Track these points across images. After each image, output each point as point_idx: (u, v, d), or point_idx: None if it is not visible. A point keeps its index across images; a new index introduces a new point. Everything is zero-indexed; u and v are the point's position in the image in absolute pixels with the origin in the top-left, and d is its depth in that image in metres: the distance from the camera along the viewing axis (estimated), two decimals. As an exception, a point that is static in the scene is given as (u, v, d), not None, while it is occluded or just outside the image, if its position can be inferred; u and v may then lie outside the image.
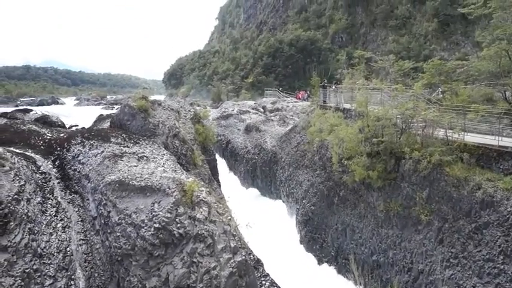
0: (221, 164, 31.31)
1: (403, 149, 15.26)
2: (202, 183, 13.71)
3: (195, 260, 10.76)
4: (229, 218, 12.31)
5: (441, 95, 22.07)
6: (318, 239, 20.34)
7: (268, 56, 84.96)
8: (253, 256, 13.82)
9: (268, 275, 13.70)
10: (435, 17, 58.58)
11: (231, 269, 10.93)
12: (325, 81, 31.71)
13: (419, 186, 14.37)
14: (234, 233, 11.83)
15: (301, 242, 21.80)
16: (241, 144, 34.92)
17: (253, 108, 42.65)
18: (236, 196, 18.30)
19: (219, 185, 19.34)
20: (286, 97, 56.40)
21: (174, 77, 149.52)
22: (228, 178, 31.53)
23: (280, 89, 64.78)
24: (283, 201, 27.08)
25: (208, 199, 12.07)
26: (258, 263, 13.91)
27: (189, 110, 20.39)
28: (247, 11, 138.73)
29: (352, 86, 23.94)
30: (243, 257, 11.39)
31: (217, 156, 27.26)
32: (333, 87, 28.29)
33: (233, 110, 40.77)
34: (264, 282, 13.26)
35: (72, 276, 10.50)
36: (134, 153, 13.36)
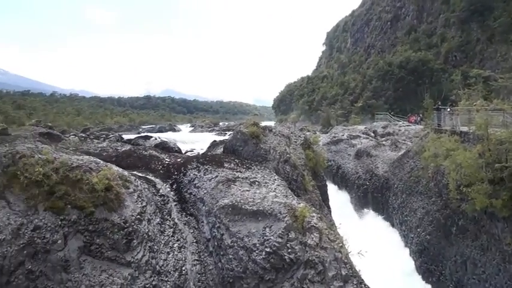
0: (331, 189, 30.92)
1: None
2: (313, 208, 13.61)
3: (305, 286, 10.66)
4: (341, 244, 12.03)
5: None
6: (434, 270, 19.08)
7: (378, 79, 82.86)
8: (365, 285, 13.25)
9: (380, 305, 13.10)
10: None
11: (342, 297, 10.66)
12: (439, 103, 30.14)
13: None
14: (346, 261, 11.53)
15: (418, 273, 20.63)
16: (352, 170, 34.23)
17: (363, 133, 41.74)
18: (347, 222, 17.89)
19: (330, 211, 19.06)
20: (398, 121, 54.50)
21: (284, 103, 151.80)
22: (338, 204, 30.99)
23: (391, 112, 62.77)
24: (396, 229, 25.93)
25: (320, 225, 11.95)
26: (370, 293, 13.34)
27: (299, 136, 20.52)
28: (354, 35, 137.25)
29: (469, 107, 22.44)
30: (355, 286, 11.04)
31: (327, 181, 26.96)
32: (448, 109, 26.76)
33: (343, 135, 40.22)
34: (376, 312, 12.68)
35: (187, 295, 10.98)
36: (246, 178, 13.70)
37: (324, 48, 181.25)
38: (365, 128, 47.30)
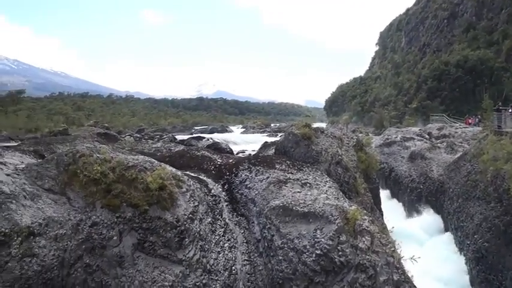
0: (383, 192, 30.34)
1: None
2: (365, 211, 13.41)
3: (355, 290, 10.53)
4: (393, 249, 11.77)
5: None
6: (493, 280, 18.29)
7: (433, 80, 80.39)
8: None
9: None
10: None
11: (393, 303, 10.43)
12: (500, 104, 28.88)
13: None
14: (398, 266, 11.27)
15: (472, 284, 19.86)
16: (405, 173, 33.44)
17: (417, 135, 40.67)
18: (399, 227, 17.49)
19: (382, 215, 18.70)
20: (454, 123, 52.72)
21: (335, 104, 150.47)
22: (390, 208, 30.33)
23: (447, 113, 60.77)
24: (451, 234, 25.09)
25: (371, 228, 11.76)
26: (423, 299, 12.99)
27: (352, 137, 20.23)
28: (408, 34, 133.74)
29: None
30: (407, 292, 10.79)
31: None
32: (510, 110, 25.60)
33: (396, 137, 39.36)
34: (427, 320, 12.31)
35: (236, 295, 11.09)
36: (298, 179, 13.66)
37: (377, 48, 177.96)
38: (419, 129, 46.09)
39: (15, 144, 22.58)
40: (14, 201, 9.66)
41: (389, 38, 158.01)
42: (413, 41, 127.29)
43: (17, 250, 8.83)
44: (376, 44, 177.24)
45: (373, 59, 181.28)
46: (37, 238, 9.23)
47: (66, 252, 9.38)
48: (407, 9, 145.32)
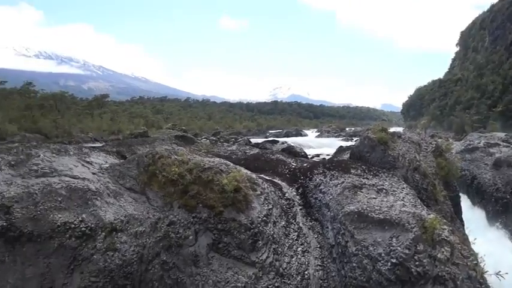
0: (464, 201, 28.84)
1: None
2: (445, 220, 12.81)
3: (433, 303, 10.10)
4: (475, 262, 11.13)
5: None
6: None
7: (522, 82, 75.59)
8: None
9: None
10: None
11: (477, 320, 9.88)
12: None
13: None
14: (481, 281, 10.64)
15: None
16: (489, 181, 31.56)
17: (503, 141, 38.23)
18: (482, 239, 16.52)
19: (463, 225, 17.79)
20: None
21: (413, 108, 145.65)
22: (472, 218, 28.79)
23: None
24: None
25: (451, 239, 11.22)
26: (508, 318, 12.13)
27: (430, 143, 19.43)
28: (493, 33, 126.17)
29: None
30: (490, 309, 10.19)
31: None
32: None
33: (479, 143, 37.24)
34: None
35: (308, 300, 11.01)
36: (373, 185, 13.35)
37: (457, 48, 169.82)
38: (505, 135, 43.30)
39: (100, 145, 23.89)
40: (99, 198, 10.28)
41: (471, 37, 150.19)
42: (498, 40, 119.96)
43: (102, 244, 9.41)
44: (457, 45, 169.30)
45: (454, 60, 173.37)
46: (119, 234, 9.76)
47: (145, 249, 9.83)
48: (492, 6, 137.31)
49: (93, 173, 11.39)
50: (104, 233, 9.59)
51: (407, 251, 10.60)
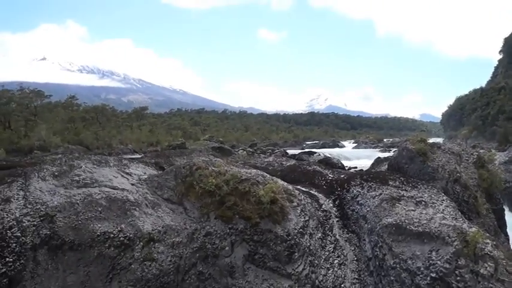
0: (510, 215, 27.83)
1: None
2: (488, 234, 12.40)
3: (476, 320, 9.76)
4: (521, 279, 10.74)
5: None
6: None
7: None
8: None
9: None
10: None
11: None
12: None
13: None
14: (527, 299, 10.24)
15: None
16: (535, 194, 30.47)
17: (550, 152, 36.90)
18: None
19: (508, 239, 17.17)
20: None
21: (453, 118, 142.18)
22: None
23: None
24: None
25: (495, 253, 10.82)
26: None
27: (472, 153, 18.91)
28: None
29: None
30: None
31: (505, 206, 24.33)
32: None
33: (524, 154, 36.09)
34: None
35: (345, 313, 10.87)
36: (412, 197, 13.08)
37: (500, 56, 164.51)
38: (553, 146, 41.78)
39: (139, 156, 24.39)
40: (137, 208, 10.49)
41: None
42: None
43: (139, 254, 9.59)
44: (500, 52, 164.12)
45: (496, 68, 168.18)
46: (156, 244, 9.92)
47: (182, 259, 9.94)
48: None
49: (132, 184, 11.65)
50: (141, 243, 9.77)
51: (447, 265, 10.31)
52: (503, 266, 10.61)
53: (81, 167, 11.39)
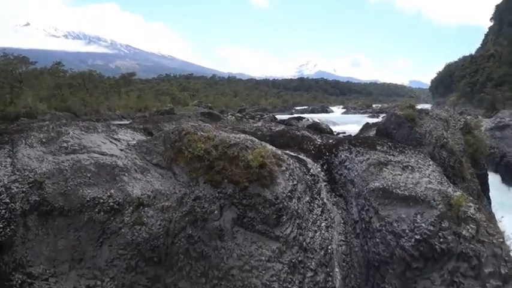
0: (493, 179, 28.36)
1: None
2: (471, 198, 12.67)
3: (456, 279, 10.06)
4: (501, 240, 11.01)
5: None
6: None
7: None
8: None
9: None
10: None
11: (499, 298, 9.82)
12: None
13: None
14: (506, 259, 10.53)
15: None
16: (518, 159, 31.02)
17: (536, 119, 37.32)
18: (510, 217, 16.26)
19: (489, 203, 17.56)
20: None
21: (442, 85, 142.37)
22: (500, 196, 28.30)
23: None
24: None
25: (477, 216, 11.11)
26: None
27: (459, 120, 19.09)
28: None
29: None
30: (516, 288, 10.09)
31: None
32: None
33: (510, 120, 36.49)
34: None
35: (331, 273, 11.17)
36: (399, 162, 13.27)
37: (491, 23, 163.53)
38: (539, 112, 42.14)
39: (127, 122, 24.27)
40: (126, 174, 10.56)
41: (508, 10, 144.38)
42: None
43: (129, 218, 9.72)
44: (491, 19, 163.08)
45: (487, 35, 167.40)
46: (146, 208, 10.05)
47: (171, 223, 10.09)
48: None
49: (121, 150, 11.67)
50: (131, 208, 9.89)
51: (431, 228, 10.58)
52: (484, 227, 10.91)
53: (69, 133, 11.36)
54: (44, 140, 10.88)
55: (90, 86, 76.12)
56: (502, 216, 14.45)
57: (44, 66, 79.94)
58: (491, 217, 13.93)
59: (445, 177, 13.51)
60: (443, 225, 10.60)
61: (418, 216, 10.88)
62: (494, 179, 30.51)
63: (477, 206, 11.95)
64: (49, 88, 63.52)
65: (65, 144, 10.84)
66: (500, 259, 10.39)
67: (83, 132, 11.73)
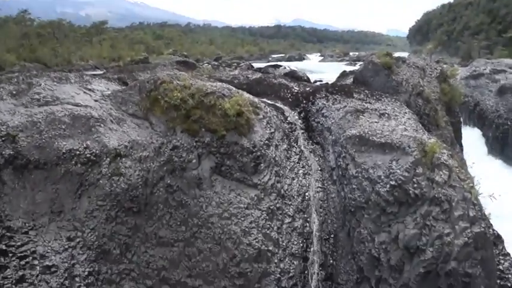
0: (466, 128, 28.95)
1: None
2: (444, 145, 12.96)
3: (428, 223, 10.43)
4: (471, 185, 11.39)
5: None
6: None
7: (538, 5, 72.45)
8: (494, 231, 12.32)
9: (508, 254, 12.18)
10: None
11: (466, 238, 10.22)
12: None
13: None
14: (475, 202, 10.94)
15: None
16: (491, 108, 31.49)
17: (510, 68, 37.60)
18: (480, 164, 16.71)
19: (462, 150, 18.02)
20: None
21: (420, 33, 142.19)
22: (473, 144, 28.97)
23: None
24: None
25: (450, 162, 11.41)
26: (499, 239, 12.30)
27: (435, 68, 19.23)
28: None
29: None
30: (482, 229, 10.50)
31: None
32: None
33: (485, 69, 36.67)
34: (502, 261, 11.76)
35: (308, 219, 11.46)
36: (376, 109, 13.39)
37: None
38: (514, 61, 42.50)
39: (101, 72, 23.75)
40: (102, 125, 10.40)
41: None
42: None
43: (107, 169, 9.66)
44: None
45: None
46: (123, 159, 9.99)
47: (149, 173, 10.08)
48: None
49: (96, 100, 11.42)
50: (108, 159, 9.81)
51: (406, 174, 10.84)
52: (456, 173, 11.25)
53: (40, 84, 11.01)
54: (14, 92, 10.52)
55: (60, 36, 73.39)
56: (473, 162, 14.86)
57: (9, 14, 76.48)
58: (462, 163, 14.34)
59: (420, 125, 13.73)
60: (417, 171, 10.86)
61: (394, 162, 11.11)
62: (467, 127, 31.10)
63: (450, 152, 12.26)
64: (16, 38, 60.99)
65: (37, 96, 10.53)
66: (469, 203, 10.78)
67: (56, 83, 11.39)
